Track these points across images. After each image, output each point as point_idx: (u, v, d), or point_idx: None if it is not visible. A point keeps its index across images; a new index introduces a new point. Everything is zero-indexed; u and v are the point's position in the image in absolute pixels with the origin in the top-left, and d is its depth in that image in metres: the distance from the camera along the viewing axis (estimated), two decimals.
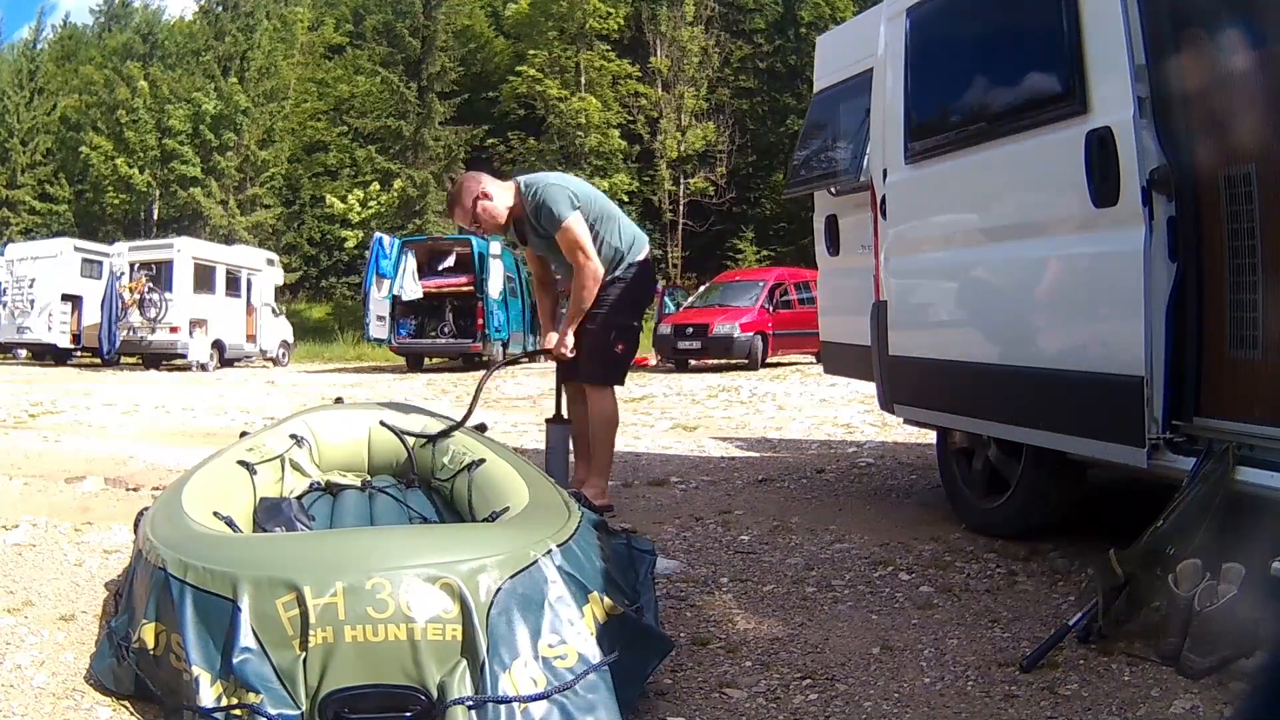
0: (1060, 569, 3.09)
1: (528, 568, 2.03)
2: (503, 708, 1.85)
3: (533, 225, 4.00)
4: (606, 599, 2.13)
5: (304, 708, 1.83)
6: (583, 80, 29.53)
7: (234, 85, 28.85)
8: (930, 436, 4.36)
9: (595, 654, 2.01)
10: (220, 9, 31.32)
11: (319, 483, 3.53)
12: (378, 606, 1.86)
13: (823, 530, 3.77)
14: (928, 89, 3.59)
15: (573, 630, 2.02)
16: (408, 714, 1.83)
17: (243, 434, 4.05)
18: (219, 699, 1.83)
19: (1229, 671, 2.11)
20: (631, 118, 29.74)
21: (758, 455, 5.99)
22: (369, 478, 3.65)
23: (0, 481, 4.65)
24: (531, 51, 29.60)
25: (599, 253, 3.95)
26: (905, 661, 2.40)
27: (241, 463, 3.17)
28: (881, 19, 3.90)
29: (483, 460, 3.16)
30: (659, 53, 30.26)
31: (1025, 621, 2.63)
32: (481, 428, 3.94)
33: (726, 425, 7.69)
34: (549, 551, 2.10)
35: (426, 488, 3.52)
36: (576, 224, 3.88)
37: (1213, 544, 2.25)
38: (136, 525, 2.65)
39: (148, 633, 2.01)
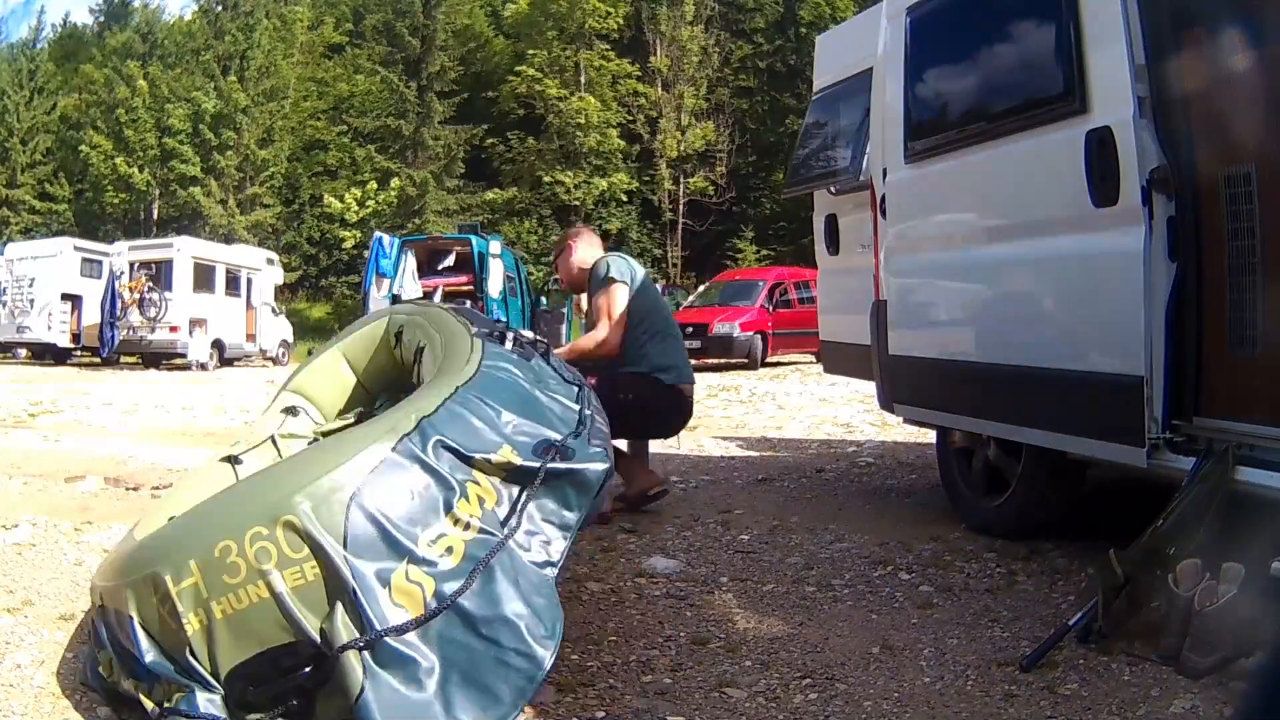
0: (1060, 569, 3.09)
1: (377, 467, 1.84)
2: (391, 636, 1.70)
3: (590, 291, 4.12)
4: (499, 455, 1.93)
5: (221, 693, 1.76)
6: (582, 80, 29.51)
7: (233, 84, 28.82)
8: (930, 436, 4.36)
9: (493, 527, 1.84)
10: (220, 8, 31.28)
11: (316, 438, 3.40)
12: (231, 571, 1.74)
13: (822, 530, 3.77)
14: (927, 88, 3.59)
15: (456, 512, 1.84)
16: (306, 671, 1.71)
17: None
18: (154, 707, 1.81)
19: (1229, 671, 2.11)
20: (631, 117, 29.71)
21: (758, 455, 5.99)
22: (362, 410, 3.38)
23: (0, 481, 4.65)
24: (531, 51, 29.57)
25: (635, 353, 3.94)
26: (905, 661, 2.40)
27: (226, 458, 3.08)
28: (881, 19, 3.90)
29: (423, 345, 2.91)
30: (659, 52, 30.22)
31: (1025, 621, 2.63)
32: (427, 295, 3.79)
33: (726, 425, 7.69)
34: (404, 436, 1.90)
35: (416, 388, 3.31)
36: (617, 292, 3.93)
37: (1213, 544, 2.25)
38: None
39: (101, 660, 2.01)
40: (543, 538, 1.94)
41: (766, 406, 9.05)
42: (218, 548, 1.76)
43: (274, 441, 3.22)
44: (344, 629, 1.70)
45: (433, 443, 1.90)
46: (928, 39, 3.56)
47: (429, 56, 29.75)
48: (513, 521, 1.87)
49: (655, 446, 6.29)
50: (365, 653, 1.69)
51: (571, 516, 1.98)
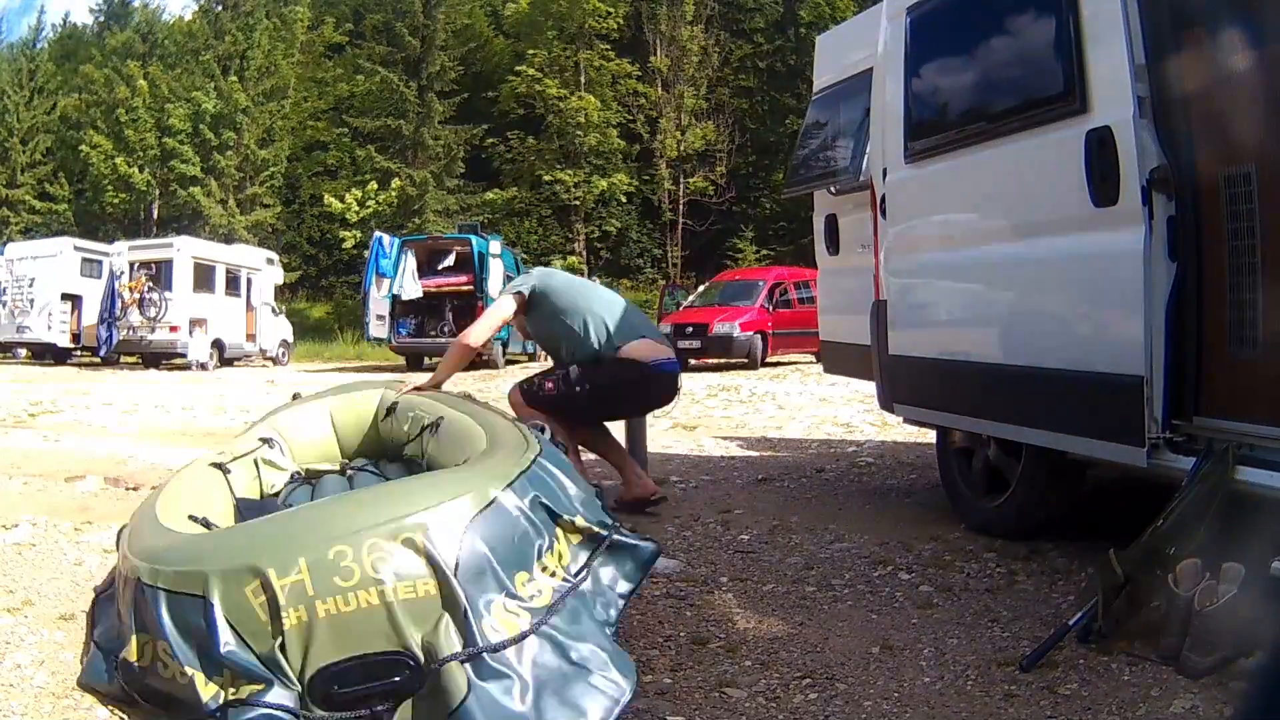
0: (1060, 569, 3.09)
1: (488, 507, 2.00)
2: (491, 655, 1.81)
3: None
4: (579, 519, 2.10)
5: (297, 689, 1.80)
6: (582, 79, 29.50)
7: (234, 84, 28.81)
8: (930, 436, 4.36)
9: (569, 580, 2.00)
10: (220, 8, 31.24)
11: (298, 473, 3.51)
12: (344, 575, 1.82)
13: (822, 529, 3.77)
14: (927, 88, 3.59)
15: (544, 561, 2.00)
16: (396, 679, 1.80)
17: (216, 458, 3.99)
18: (215, 696, 1.82)
19: (1229, 671, 2.11)
20: (631, 117, 29.71)
21: (757, 454, 5.99)
22: (346, 461, 3.63)
23: (0, 481, 4.65)
24: (531, 51, 29.56)
25: (577, 340, 3.93)
26: (905, 661, 2.40)
27: (214, 465, 3.16)
28: (881, 19, 3.90)
29: (440, 418, 3.13)
30: (659, 52, 30.21)
31: (1025, 621, 2.64)
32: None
33: (726, 424, 7.69)
34: (509, 484, 2.07)
35: (402, 460, 3.49)
36: (500, 303, 4.10)
37: (1213, 544, 2.25)
38: (118, 543, 2.64)
39: (133, 647, 2.00)
40: (605, 600, 2.09)
41: (766, 406, 9.05)
42: (332, 551, 1.85)
43: (255, 461, 3.38)
44: (451, 641, 1.80)
45: (530, 496, 2.07)
46: (928, 39, 3.56)
47: (429, 56, 29.73)
48: (584, 574, 2.03)
49: (654, 446, 6.31)
50: (468, 665, 1.80)
51: (625, 588, 2.14)
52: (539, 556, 1.99)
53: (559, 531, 2.06)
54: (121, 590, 2.19)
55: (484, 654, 1.81)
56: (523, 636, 1.86)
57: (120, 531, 2.64)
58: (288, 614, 1.81)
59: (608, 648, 1.93)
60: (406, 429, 3.39)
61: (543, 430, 2.64)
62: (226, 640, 1.83)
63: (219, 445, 3.51)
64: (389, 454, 3.61)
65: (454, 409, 3.15)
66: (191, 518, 2.52)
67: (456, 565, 1.87)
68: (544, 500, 2.09)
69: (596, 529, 2.12)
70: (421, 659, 1.80)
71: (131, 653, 1.99)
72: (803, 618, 2.75)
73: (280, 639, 1.82)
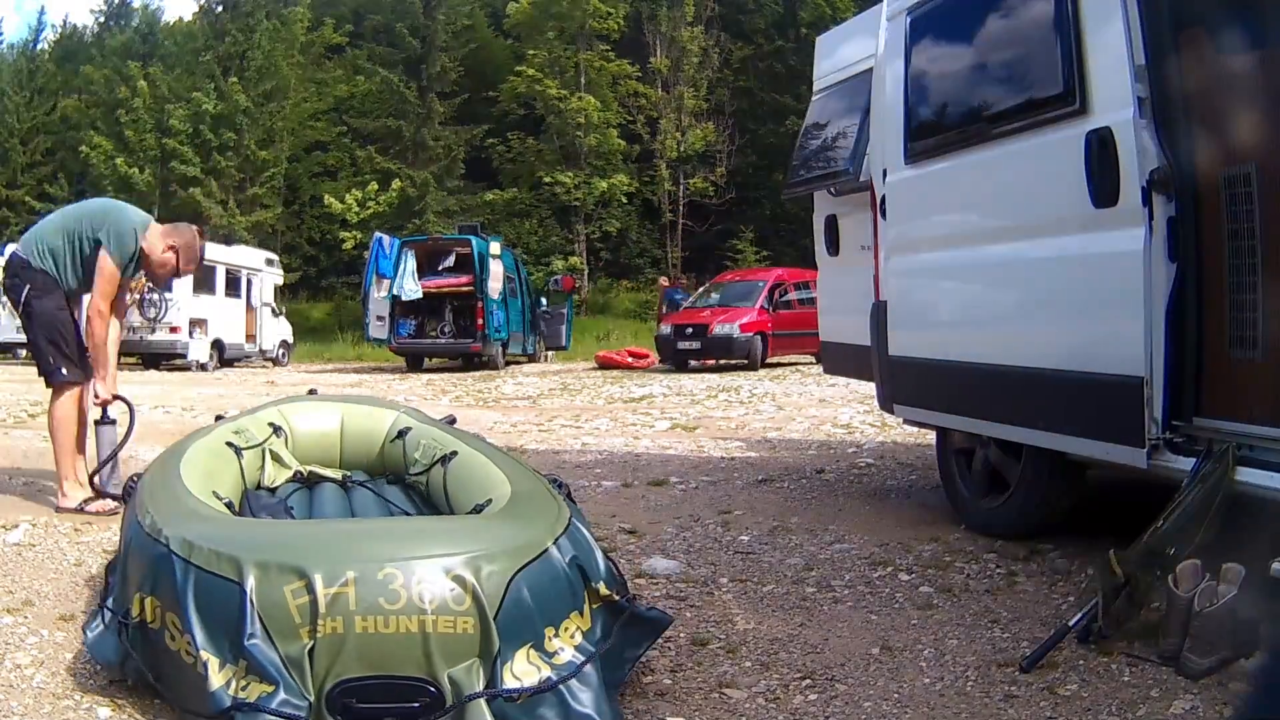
0: (1060, 569, 3.09)
1: (538, 558, 2.04)
2: (505, 700, 1.86)
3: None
4: (603, 586, 2.15)
5: (311, 698, 1.82)
6: (582, 80, 29.50)
7: (234, 85, 28.83)
8: (930, 436, 4.36)
9: (592, 643, 2.04)
10: (220, 9, 31.26)
11: (301, 473, 3.53)
12: (390, 597, 1.86)
13: (822, 530, 3.77)
14: (927, 89, 3.59)
15: (573, 620, 2.05)
16: (416, 705, 1.83)
17: (218, 417, 4.02)
18: (227, 684, 1.82)
19: (1229, 671, 2.11)
20: (631, 118, 29.69)
21: (757, 455, 5.98)
22: (348, 472, 3.65)
23: (0, 481, 4.65)
24: (531, 51, 29.56)
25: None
26: (905, 661, 2.40)
27: (230, 444, 3.19)
28: (881, 19, 3.90)
29: (455, 452, 3.15)
30: (659, 53, 30.20)
31: (1025, 621, 2.63)
32: (451, 420, 3.95)
33: (726, 425, 7.69)
34: (557, 540, 2.12)
35: (401, 483, 3.52)
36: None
37: (1213, 544, 2.25)
38: (127, 495, 2.64)
39: (145, 606, 2.00)
40: (614, 662, 2.13)
41: (766, 407, 9.05)
42: (382, 571, 1.88)
43: (263, 451, 3.42)
44: (476, 680, 1.86)
45: (570, 555, 2.12)
46: (927, 39, 3.57)
47: (429, 57, 29.71)
48: (609, 641, 2.08)
49: (654, 447, 6.31)
50: (489, 706, 1.85)
51: (634, 653, 2.19)
52: (567, 615, 2.04)
53: (586, 595, 2.12)
54: (137, 545, 2.18)
55: (501, 698, 1.85)
56: (540, 689, 1.90)
57: (132, 480, 2.65)
58: (324, 622, 1.83)
59: (607, 712, 1.97)
60: (418, 456, 3.42)
61: (560, 485, 2.66)
62: (253, 632, 1.83)
63: (232, 424, 3.52)
64: (389, 474, 3.63)
65: (468, 445, 3.19)
66: (216, 495, 2.57)
67: (499, 609, 1.91)
68: (580, 562, 2.14)
69: (618, 598, 2.17)
70: (444, 691, 1.83)
71: (143, 612, 1.99)
72: (803, 618, 2.75)
73: (311, 644, 1.83)
